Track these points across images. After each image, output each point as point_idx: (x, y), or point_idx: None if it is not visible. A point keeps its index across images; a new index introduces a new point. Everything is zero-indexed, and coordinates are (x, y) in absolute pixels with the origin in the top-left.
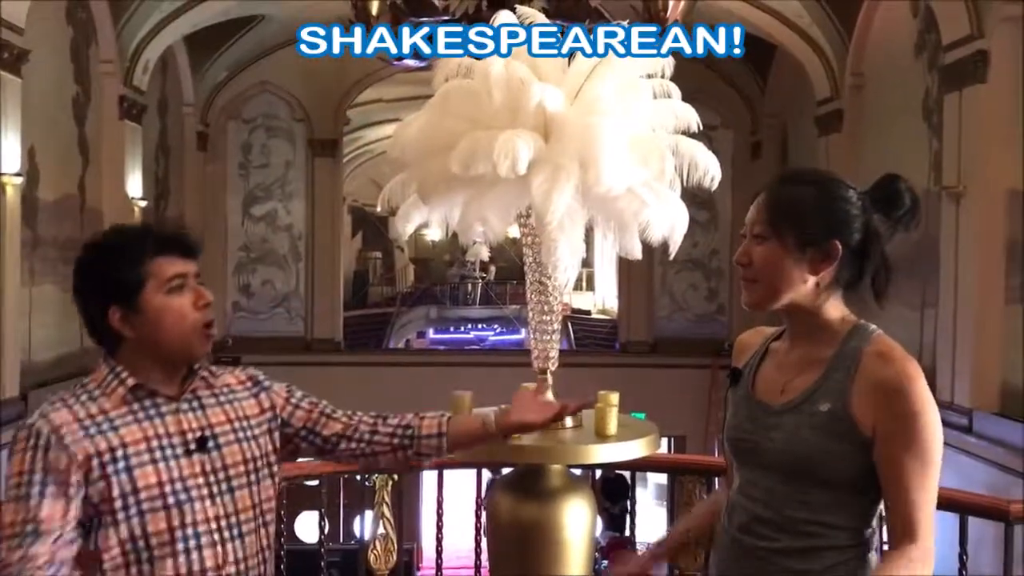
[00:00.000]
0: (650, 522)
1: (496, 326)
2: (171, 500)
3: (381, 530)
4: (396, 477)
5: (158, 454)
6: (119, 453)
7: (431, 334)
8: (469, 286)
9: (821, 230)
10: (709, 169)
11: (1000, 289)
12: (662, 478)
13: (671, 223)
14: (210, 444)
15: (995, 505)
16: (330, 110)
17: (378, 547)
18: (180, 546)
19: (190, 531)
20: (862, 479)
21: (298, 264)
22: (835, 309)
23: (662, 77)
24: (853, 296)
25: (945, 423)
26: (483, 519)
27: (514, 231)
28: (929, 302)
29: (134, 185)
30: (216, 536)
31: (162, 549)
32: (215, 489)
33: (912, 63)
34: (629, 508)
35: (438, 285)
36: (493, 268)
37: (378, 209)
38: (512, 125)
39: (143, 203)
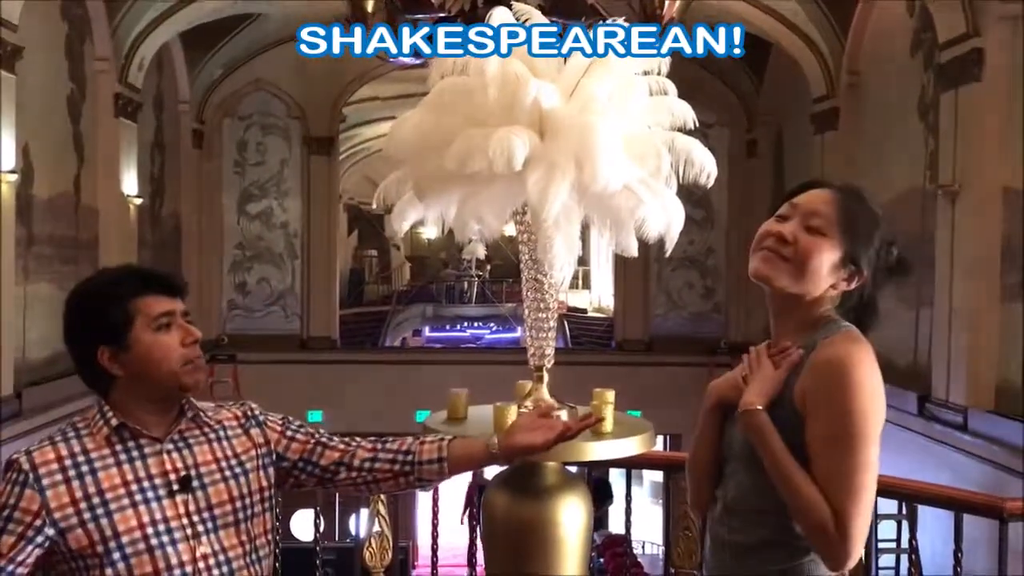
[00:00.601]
0: (645, 520)
1: (492, 324)
2: (154, 542)
3: (376, 528)
4: None
5: (138, 497)
6: (95, 500)
7: (427, 332)
8: (465, 284)
9: (868, 254)
10: (705, 166)
11: (996, 287)
12: (657, 476)
13: (667, 220)
14: (194, 484)
15: (990, 503)
16: (326, 108)
17: (373, 545)
18: None
19: (177, 572)
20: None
21: (294, 262)
22: (825, 313)
23: (658, 74)
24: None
25: (940, 421)
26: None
27: (510, 229)
28: (924, 300)
29: (129, 183)
30: (206, 575)
31: None
32: (200, 528)
33: (908, 61)
34: (626, 506)
35: (434, 283)
36: (488, 266)
37: (374, 207)
38: (508, 122)
39: (138, 201)
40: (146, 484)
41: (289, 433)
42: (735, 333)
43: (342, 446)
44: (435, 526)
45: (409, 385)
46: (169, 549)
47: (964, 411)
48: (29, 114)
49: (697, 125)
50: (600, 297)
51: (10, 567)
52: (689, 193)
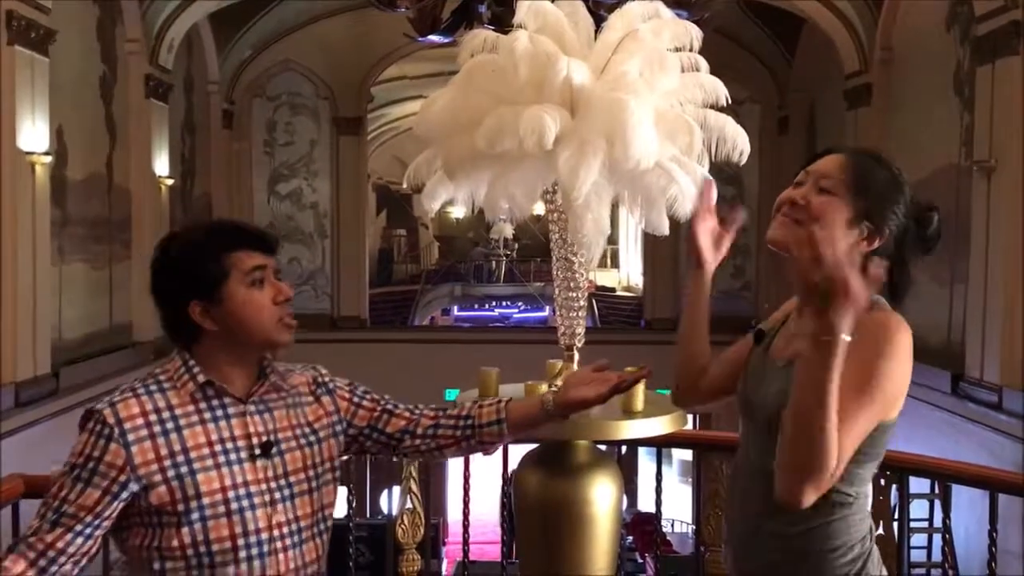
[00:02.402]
0: (675, 498)
1: (520, 303)
2: (234, 506)
3: (408, 505)
4: None
5: (221, 458)
6: (180, 458)
7: (455, 312)
8: (493, 263)
9: (884, 214)
10: (738, 143)
11: None
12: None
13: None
14: (273, 450)
15: None
16: (354, 88)
17: (405, 521)
18: (242, 554)
19: (252, 539)
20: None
21: (324, 242)
22: None
23: (690, 50)
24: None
25: (974, 400)
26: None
27: (538, 208)
28: (959, 278)
29: (160, 164)
30: (278, 544)
31: (223, 556)
32: (276, 496)
33: (943, 36)
34: (656, 485)
35: (462, 263)
36: (516, 245)
37: (403, 187)
38: (538, 100)
39: (170, 181)
40: (229, 446)
41: (356, 399)
42: (765, 312)
43: (407, 414)
44: (466, 503)
45: (438, 364)
46: (248, 514)
47: (999, 390)
48: (62, 96)
49: (729, 101)
50: (629, 276)
51: (96, 521)
52: (720, 170)
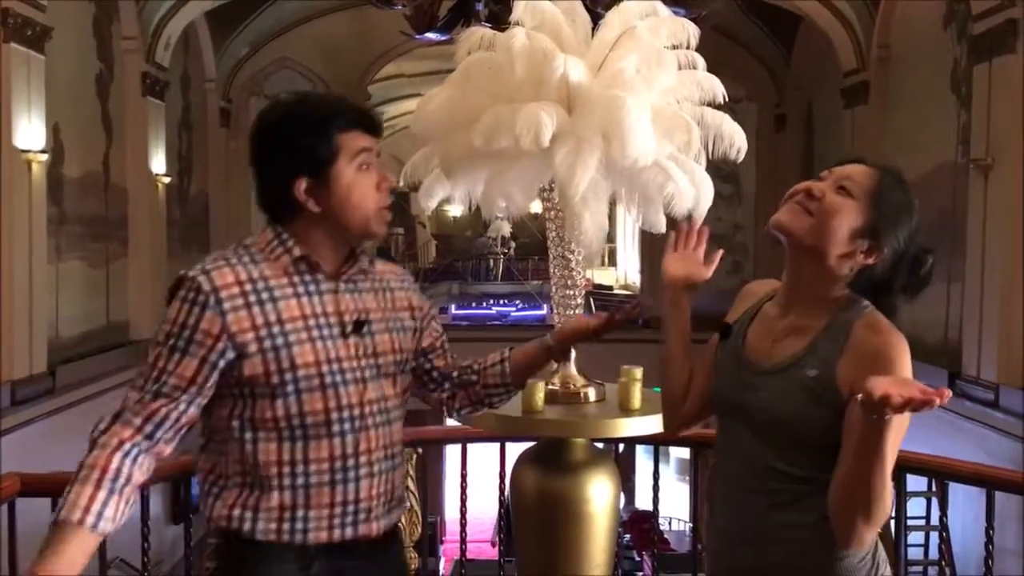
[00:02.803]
0: (672, 496)
1: (518, 302)
2: (328, 380)
3: (405, 502)
4: (420, 450)
5: (315, 333)
6: (276, 329)
7: (453, 310)
8: (491, 262)
9: (887, 234)
10: (735, 141)
11: None
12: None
13: (696, 197)
14: (365, 329)
15: (1022, 480)
16: (351, 86)
17: (403, 519)
18: (335, 428)
19: (345, 414)
20: (836, 444)
21: None
22: (840, 285)
23: (687, 48)
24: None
25: (971, 398)
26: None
27: (536, 206)
28: (955, 276)
29: (157, 161)
30: (368, 420)
31: (316, 429)
32: (367, 373)
33: (940, 34)
34: (653, 483)
35: (460, 261)
36: (514, 243)
37: (400, 184)
38: (535, 98)
39: (166, 179)
40: (322, 321)
41: (430, 317)
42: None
43: (450, 359)
44: (463, 501)
45: None
46: (341, 389)
47: (995, 388)
48: (58, 94)
49: (727, 99)
50: (626, 274)
51: (196, 390)
52: (716, 168)
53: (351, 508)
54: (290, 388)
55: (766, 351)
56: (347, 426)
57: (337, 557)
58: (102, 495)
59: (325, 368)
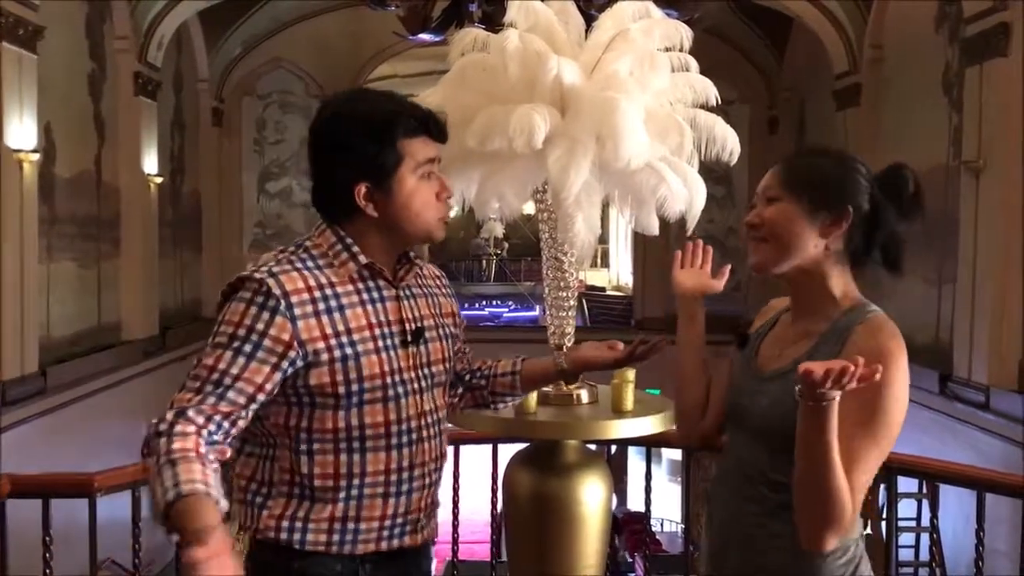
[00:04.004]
0: (664, 498)
1: (511, 303)
2: (390, 392)
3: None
4: None
5: (381, 343)
6: (345, 339)
7: None
8: (483, 262)
9: (834, 193)
10: (728, 143)
11: (1019, 264)
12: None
13: (689, 199)
14: (422, 338)
15: (1012, 481)
16: (345, 86)
17: None
18: (393, 440)
19: (404, 426)
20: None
21: None
22: (840, 282)
23: (680, 50)
24: (866, 272)
25: (962, 400)
26: (499, 494)
27: (529, 207)
28: (947, 277)
29: (150, 161)
30: (424, 432)
31: (375, 441)
32: (423, 384)
33: (932, 36)
34: (645, 484)
35: (453, 261)
36: (506, 244)
37: None
38: (529, 99)
39: (159, 179)
40: (386, 330)
41: (463, 323)
42: (755, 312)
43: (467, 361)
44: (456, 503)
45: None
46: (402, 401)
47: (986, 390)
48: (50, 93)
49: (719, 101)
50: (619, 275)
51: (261, 396)
52: (709, 170)
53: (400, 520)
54: (355, 399)
55: (774, 357)
56: (404, 439)
57: (382, 565)
58: (211, 474)
59: (389, 380)
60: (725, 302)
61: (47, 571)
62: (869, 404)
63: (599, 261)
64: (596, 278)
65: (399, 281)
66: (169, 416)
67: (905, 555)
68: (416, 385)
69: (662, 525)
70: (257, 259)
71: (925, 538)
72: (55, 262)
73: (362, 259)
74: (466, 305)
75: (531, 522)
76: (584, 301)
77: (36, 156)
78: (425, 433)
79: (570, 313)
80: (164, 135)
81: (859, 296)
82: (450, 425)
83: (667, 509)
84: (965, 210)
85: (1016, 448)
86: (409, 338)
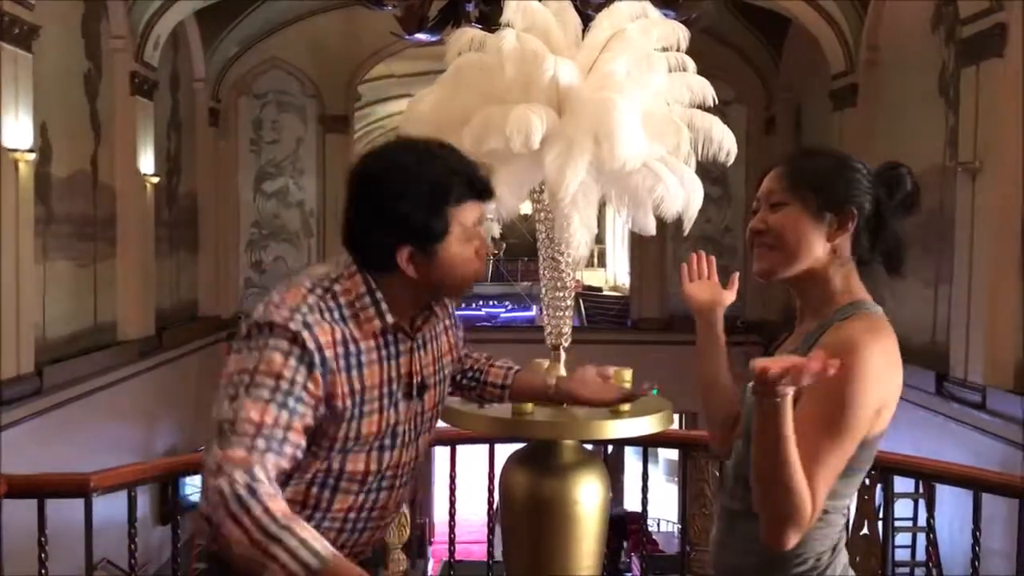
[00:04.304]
0: (661, 498)
1: (508, 303)
2: (377, 444)
3: (404, 508)
4: None
5: (386, 400)
6: (358, 398)
7: None
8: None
9: (840, 195)
10: (724, 144)
11: (1015, 265)
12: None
13: (686, 199)
14: (425, 390)
15: (1009, 481)
16: (341, 86)
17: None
18: (367, 487)
19: (381, 475)
20: None
21: (310, 240)
22: (843, 283)
23: (677, 50)
24: (867, 271)
25: (958, 400)
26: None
27: (526, 207)
28: (943, 278)
29: (146, 161)
30: (397, 481)
31: (349, 485)
32: (411, 436)
33: (929, 37)
34: (642, 484)
35: None
36: (504, 244)
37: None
38: (525, 100)
39: (155, 179)
40: (394, 386)
41: (462, 344)
42: (752, 312)
43: (461, 356)
44: (452, 503)
45: None
46: (387, 453)
47: (982, 390)
48: (46, 93)
49: (716, 102)
50: (616, 275)
51: (302, 443)
52: (706, 171)
53: (346, 551)
54: (341, 448)
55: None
56: (376, 486)
57: None
58: (313, 531)
59: (384, 432)
60: None
61: (42, 572)
62: (831, 398)
63: (596, 261)
64: (593, 278)
65: (416, 332)
66: (239, 477)
67: (901, 555)
68: (405, 438)
69: (659, 525)
70: (251, 259)
71: (921, 538)
72: (51, 262)
73: (389, 319)
74: (463, 305)
75: (528, 522)
76: (581, 301)
77: (32, 156)
78: (397, 482)
79: (567, 313)
80: (160, 135)
81: (860, 295)
82: (446, 424)
83: (664, 509)
84: (961, 211)
85: (1013, 448)
86: (413, 392)
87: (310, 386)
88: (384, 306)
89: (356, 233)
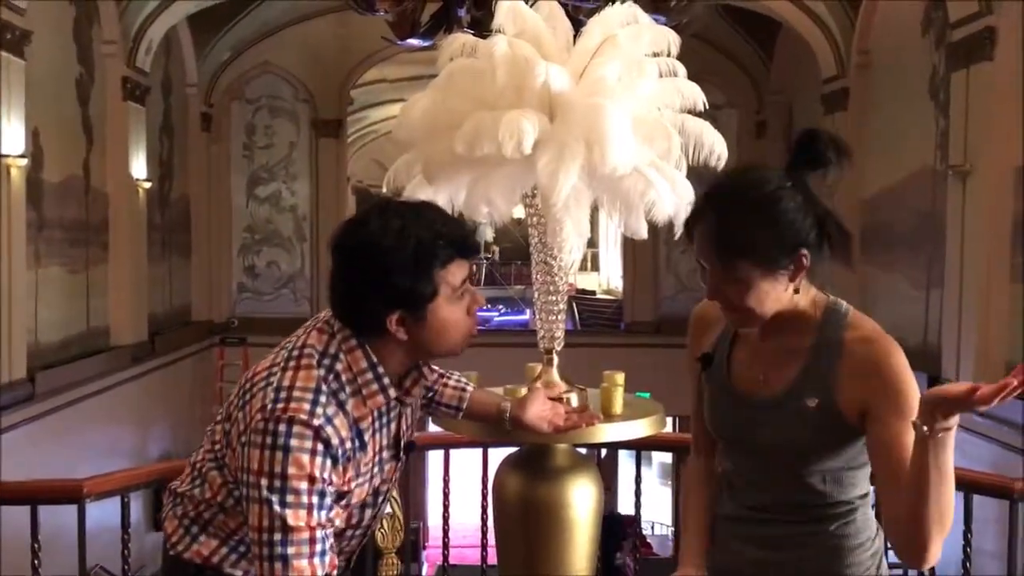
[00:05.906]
0: (654, 501)
1: (501, 306)
2: (356, 503)
3: (388, 509)
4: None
5: (376, 468)
6: (352, 474)
7: None
8: (474, 267)
9: (783, 249)
10: (715, 148)
11: (1006, 268)
12: (666, 457)
13: (677, 203)
14: (411, 449)
15: (1000, 483)
16: (334, 90)
17: (385, 526)
18: (342, 533)
19: (353, 525)
20: (854, 458)
21: (303, 245)
22: (806, 297)
23: (668, 55)
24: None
25: None
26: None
27: (519, 211)
28: (935, 281)
29: (138, 166)
30: (367, 529)
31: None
32: (382, 496)
33: (919, 41)
34: (635, 488)
35: None
36: (497, 248)
37: (383, 190)
38: (517, 105)
39: (147, 184)
40: (385, 454)
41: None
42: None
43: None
44: (446, 507)
45: None
46: (366, 511)
47: None
48: (38, 98)
49: (707, 107)
50: (609, 279)
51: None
52: (697, 175)
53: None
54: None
55: (756, 380)
56: (349, 533)
57: None
58: None
59: (365, 498)
60: (687, 303)
61: None
62: (899, 403)
63: (589, 265)
64: (586, 282)
65: (407, 396)
66: None
67: (893, 556)
68: (381, 497)
69: (652, 528)
70: (243, 263)
71: None
72: (43, 267)
73: (392, 393)
74: None
75: (521, 526)
76: (574, 304)
77: (24, 161)
78: (367, 531)
79: (560, 317)
80: (153, 140)
81: (824, 296)
82: (440, 429)
83: (657, 512)
84: (952, 213)
85: (1003, 449)
86: (401, 454)
87: (334, 477)
88: (387, 380)
89: (345, 300)
